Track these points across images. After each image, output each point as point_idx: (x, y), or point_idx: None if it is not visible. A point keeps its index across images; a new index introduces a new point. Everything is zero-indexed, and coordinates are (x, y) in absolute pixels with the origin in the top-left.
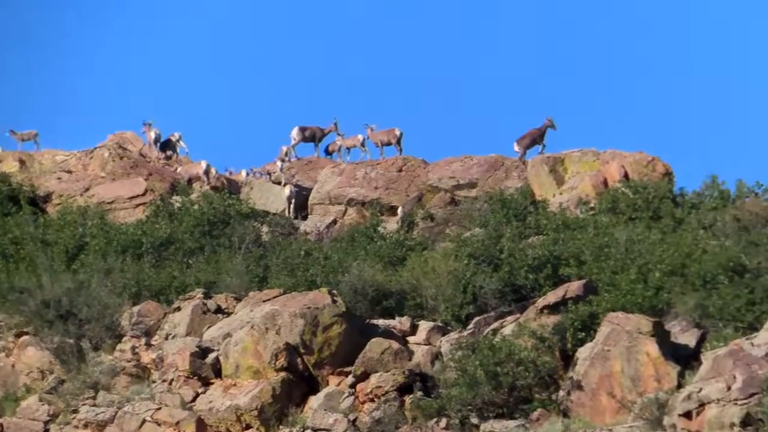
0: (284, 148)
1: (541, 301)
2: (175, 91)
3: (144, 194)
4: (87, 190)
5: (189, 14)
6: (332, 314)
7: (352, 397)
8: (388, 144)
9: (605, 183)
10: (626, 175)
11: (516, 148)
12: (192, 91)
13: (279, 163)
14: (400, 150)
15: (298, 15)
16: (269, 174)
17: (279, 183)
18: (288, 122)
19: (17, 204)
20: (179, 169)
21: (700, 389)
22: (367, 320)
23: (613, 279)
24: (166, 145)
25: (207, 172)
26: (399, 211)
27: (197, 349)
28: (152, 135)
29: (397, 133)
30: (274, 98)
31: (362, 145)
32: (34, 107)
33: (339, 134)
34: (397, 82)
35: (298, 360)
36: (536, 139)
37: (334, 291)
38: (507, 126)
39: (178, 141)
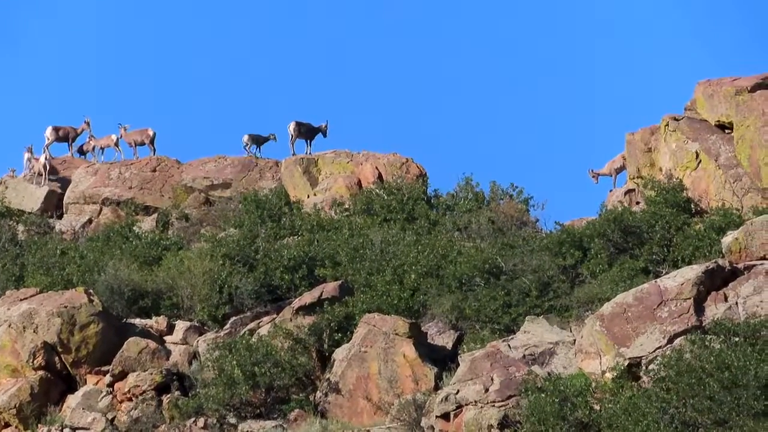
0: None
1: (297, 302)
2: None
3: None
4: None
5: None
6: (89, 313)
7: (111, 396)
8: (142, 144)
9: (359, 184)
10: (380, 177)
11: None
12: None
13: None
14: (154, 150)
15: None
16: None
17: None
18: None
19: None
20: None
21: (458, 391)
22: (124, 319)
23: (369, 280)
24: None
25: None
26: None
27: None
28: None
29: (150, 133)
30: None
31: (116, 144)
32: None
33: (91, 135)
34: (151, 80)
35: (56, 359)
36: None
37: (91, 290)
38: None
39: None
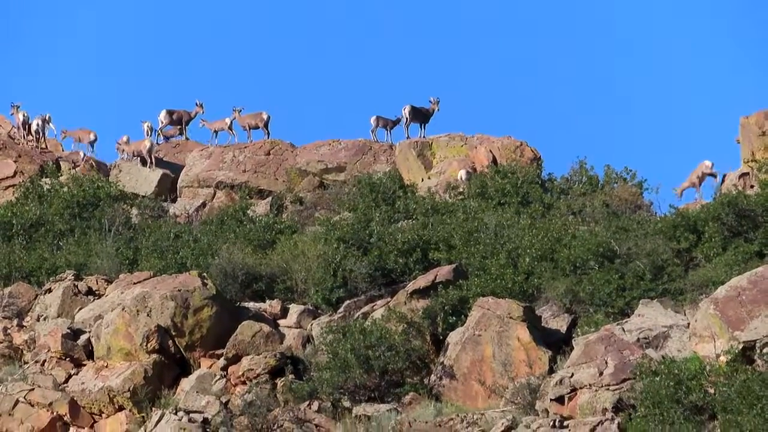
0: (146, 125)
1: (411, 285)
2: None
3: (14, 176)
4: None
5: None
6: (203, 297)
7: (224, 380)
8: (256, 127)
9: (474, 168)
10: (494, 160)
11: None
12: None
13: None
14: (268, 134)
15: None
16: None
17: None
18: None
19: None
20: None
21: (572, 374)
22: (238, 303)
23: (483, 264)
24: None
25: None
26: None
27: (69, 331)
28: (20, 117)
29: (264, 116)
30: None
31: (230, 128)
32: None
33: (202, 120)
34: (264, 67)
35: (170, 342)
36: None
37: (204, 274)
38: (374, 110)
39: (47, 123)
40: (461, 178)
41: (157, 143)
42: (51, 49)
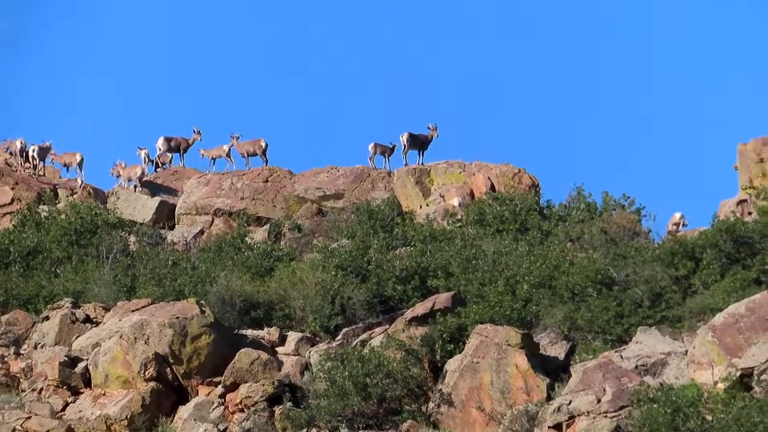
0: (144, 152)
1: (410, 313)
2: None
3: (11, 203)
4: None
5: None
6: (201, 324)
7: (222, 408)
8: (254, 154)
9: (472, 195)
10: (492, 187)
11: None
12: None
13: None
14: (266, 161)
15: None
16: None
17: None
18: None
19: None
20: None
21: (570, 401)
22: (236, 330)
23: (482, 291)
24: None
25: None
26: None
27: (66, 359)
28: (18, 145)
29: (263, 143)
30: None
31: (228, 155)
32: None
33: (201, 149)
34: (262, 94)
35: (168, 370)
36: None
37: (202, 301)
38: (372, 137)
39: (46, 151)
40: (454, 206)
41: (154, 170)
42: (50, 72)
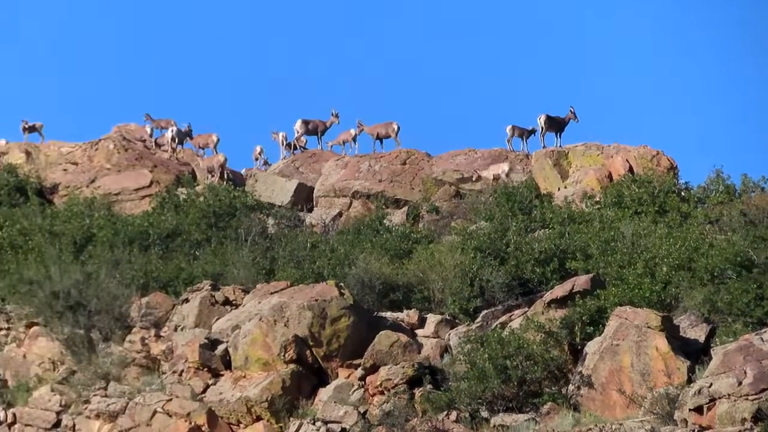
0: (281, 135)
1: (549, 295)
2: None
3: (150, 186)
4: (93, 181)
5: (185, 11)
6: (340, 307)
7: (362, 390)
8: (387, 137)
9: (610, 177)
10: (630, 169)
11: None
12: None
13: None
14: (398, 143)
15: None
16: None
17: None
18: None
19: (24, 195)
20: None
21: (711, 384)
22: (375, 313)
23: (621, 273)
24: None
25: (223, 165)
26: None
27: (206, 341)
28: (170, 131)
29: (395, 126)
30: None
31: (353, 139)
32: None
33: (327, 141)
34: (397, 74)
35: (307, 352)
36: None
37: (341, 283)
38: (511, 119)
39: (185, 133)
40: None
41: (292, 153)
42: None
